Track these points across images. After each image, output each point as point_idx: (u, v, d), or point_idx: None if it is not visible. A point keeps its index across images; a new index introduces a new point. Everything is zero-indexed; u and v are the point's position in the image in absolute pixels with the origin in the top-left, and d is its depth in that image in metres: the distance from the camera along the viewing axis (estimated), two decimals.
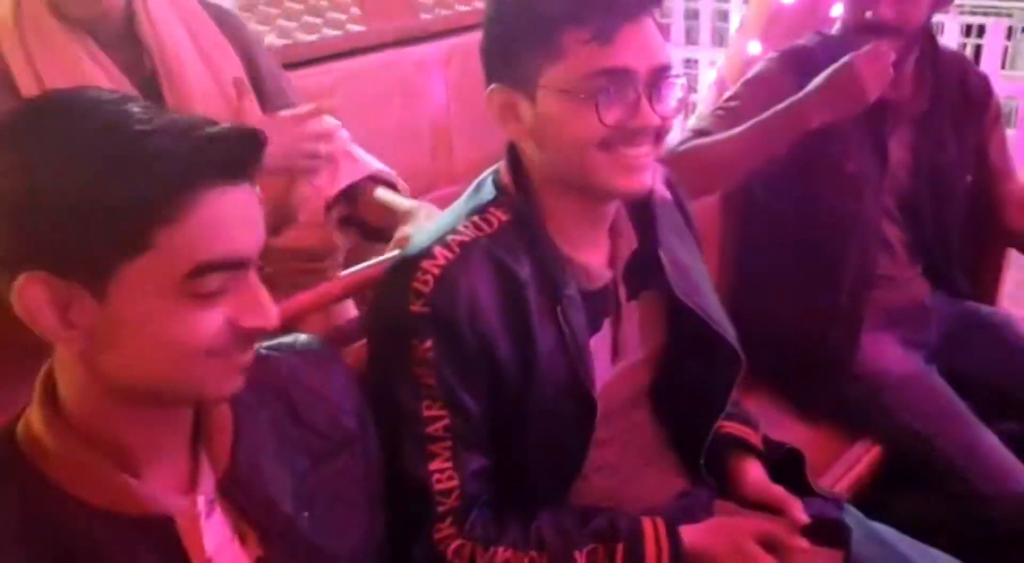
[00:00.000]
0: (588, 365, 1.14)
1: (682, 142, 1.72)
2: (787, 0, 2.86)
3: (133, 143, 0.74)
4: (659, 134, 1.08)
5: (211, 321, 0.78)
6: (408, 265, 1.11)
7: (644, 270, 1.22)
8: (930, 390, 1.77)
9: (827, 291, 1.79)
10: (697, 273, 1.27)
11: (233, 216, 0.77)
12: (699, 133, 1.71)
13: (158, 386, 0.80)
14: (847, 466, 1.76)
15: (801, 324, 1.82)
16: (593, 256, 1.18)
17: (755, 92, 1.74)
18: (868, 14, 1.66)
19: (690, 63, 4.66)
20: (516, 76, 1.08)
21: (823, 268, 1.79)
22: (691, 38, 4.71)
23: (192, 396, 0.84)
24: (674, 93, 1.08)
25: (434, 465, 1.11)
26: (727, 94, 1.80)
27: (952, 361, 1.87)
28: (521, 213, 1.14)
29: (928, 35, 1.79)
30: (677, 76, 1.07)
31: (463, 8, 2.95)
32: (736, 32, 3.30)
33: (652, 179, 1.11)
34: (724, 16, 4.68)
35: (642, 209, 1.23)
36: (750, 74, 1.82)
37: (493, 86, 1.11)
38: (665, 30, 4.74)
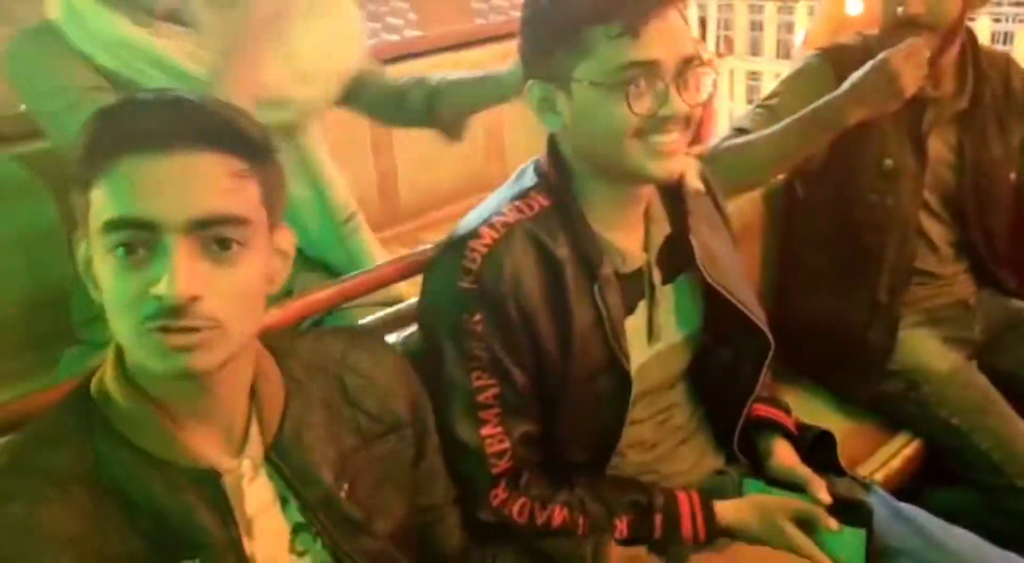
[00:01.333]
0: (623, 343, 1.20)
1: (723, 140, 1.77)
2: (853, 12, 2.88)
3: (96, 114, 0.85)
4: (688, 122, 1.14)
5: (129, 286, 0.81)
6: (456, 245, 1.19)
7: (678, 256, 1.27)
8: (969, 386, 1.78)
9: (866, 286, 1.82)
10: (729, 260, 1.32)
11: (149, 179, 0.81)
12: (739, 131, 1.76)
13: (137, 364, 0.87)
14: (885, 459, 1.77)
15: (841, 319, 1.85)
16: (628, 240, 1.24)
17: (794, 90, 1.78)
18: (899, 10, 1.69)
19: (755, 75, 4.64)
20: (552, 72, 1.15)
21: (862, 264, 1.82)
22: (755, 50, 4.69)
23: (152, 373, 0.85)
24: (702, 82, 1.14)
25: (485, 430, 1.18)
26: (767, 92, 1.84)
27: (995, 359, 1.88)
28: (560, 198, 1.21)
29: (969, 34, 1.81)
30: (703, 66, 1.13)
31: (518, 14, 3.03)
32: (801, 44, 3.31)
33: (682, 165, 1.17)
34: (789, 28, 4.65)
35: (675, 198, 1.28)
36: (790, 72, 1.86)
37: (531, 82, 1.18)
38: (729, 42, 4.73)
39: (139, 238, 0.81)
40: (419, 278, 1.29)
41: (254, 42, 1.36)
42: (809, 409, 1.83)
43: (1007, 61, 1.90)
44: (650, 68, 1.10)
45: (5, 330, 1.75)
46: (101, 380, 0.90)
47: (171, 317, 0.81)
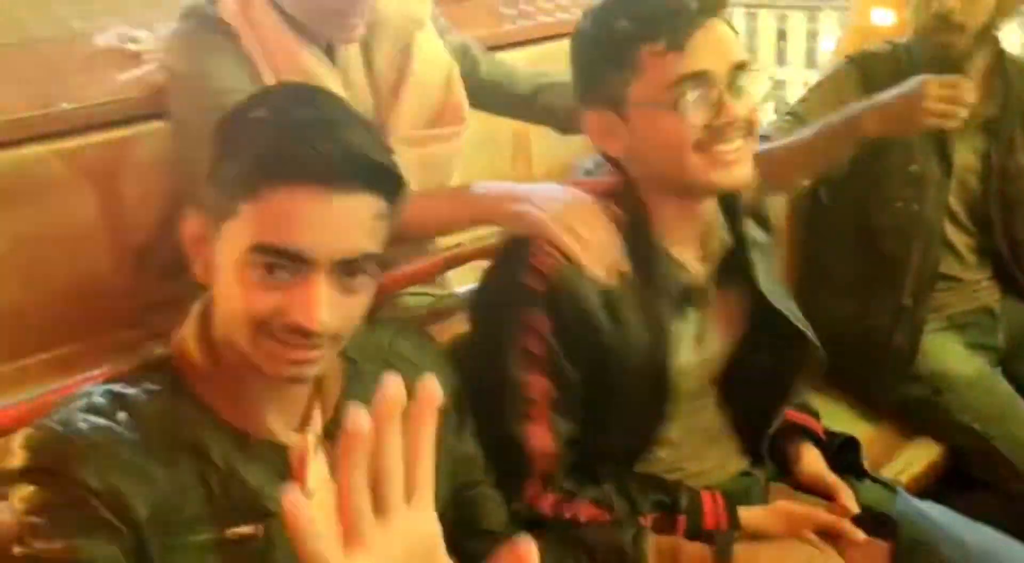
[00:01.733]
0: (671, 353, 1.22)
1: None
2: (882, 23, 2.88)
3: (261, 124, 0.88)
4: (750, 126, 1.15)
5: (263, 300, 0.86)
6: (528, 243, 1.19)
7: (730, 267, 1.29)
8: (993, 392, 1.79)
9: (890, 291, 1.83)
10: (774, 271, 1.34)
11: (308, 215, 0.85)
12: (763, 138, 1.77)
13: (230, 344, 0.90)
14: (907, 463, 1.79)
15: (865, 324, 1.86)
16: (688, 252, 1.25)
17: (821, 96, 1.80)
18: (935, 5, 1.70)
19: (779, 84, 4.59)
20: (605, 97, 1.17)
21: (886, 269, 1.83)
22: (781, 58, 4.63)
23: (253, 367, 0.90)
24: (756, 85, 1.16)
25: (531, 428, 1.20)
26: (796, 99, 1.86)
27: (1019, 366, 1.89)
28: (633, 214, 1.21)
29: (996, 43, 1.82)
30: (755, 69, 1.15)
31: (546, 19, 3.05)
32: (832, 54, 3.31)
33: (748, 172, 1.17)
34: (815, 36, 4.59)
35: (730, 210, 1.29)
36: (818, 78, 1.88)
37: (587, 110, 1.20)
38: (754, 51, 4.69)
39: (284, 264, 0.86)
40: None
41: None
42: (831, 413, 1.84)
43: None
44: (700, 79, 1.12)
45: (44, 323, 1.79)
46: (183, 339, 0.95)
47: (301, 337, 0.87)
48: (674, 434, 1.32)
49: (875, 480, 1.39)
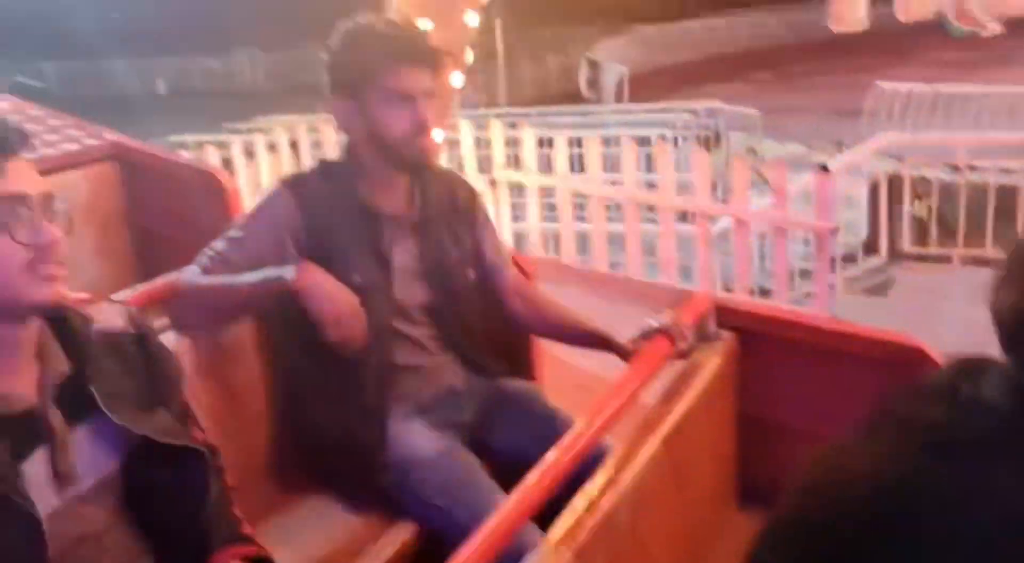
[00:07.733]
0: (22, 492, 1.21)
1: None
2: None
3: None
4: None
5: None
6: None
7: (82, 396, 1.31)
8: (453, 466, 1.96)
9: (355, 392, 1.98)
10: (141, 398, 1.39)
11: None
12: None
13: None
14: (382, 547, 1.92)
15: (339, 424, 1.99)
16: (11, 383, 1.27)
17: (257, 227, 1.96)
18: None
19: None
20: None
21: (349, 373, 1.96)
22: None
23: None
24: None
25: None
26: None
27: (485, 435, 2.10)
28: None
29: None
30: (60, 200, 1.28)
31: (49, 151, 2.96)
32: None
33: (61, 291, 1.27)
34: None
35: (74, 338, 1.34)
36: (255, 206, 2.01)
37: None
38: None
39: None
40: None
41: None
42: (317, 508, 1.98)
43: (451, 177, 2.19)
44: (20, 201, 1.22)
45: None
46: None
47: None
48: None
49: None
